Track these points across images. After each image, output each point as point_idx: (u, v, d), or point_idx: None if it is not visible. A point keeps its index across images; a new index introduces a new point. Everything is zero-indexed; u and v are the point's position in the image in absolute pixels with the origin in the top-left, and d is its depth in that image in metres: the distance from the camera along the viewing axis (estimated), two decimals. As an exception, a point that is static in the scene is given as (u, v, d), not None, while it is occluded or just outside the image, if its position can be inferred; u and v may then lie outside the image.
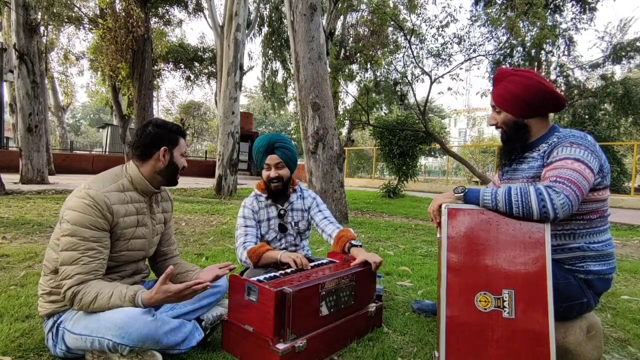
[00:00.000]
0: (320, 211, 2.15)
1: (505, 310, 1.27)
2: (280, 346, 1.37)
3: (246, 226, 2.02)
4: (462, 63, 9.86)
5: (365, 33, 13.71)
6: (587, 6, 10.37)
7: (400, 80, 13.03)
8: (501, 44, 9.83)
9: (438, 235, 1.42)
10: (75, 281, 1.33)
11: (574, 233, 1.46)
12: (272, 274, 1.66)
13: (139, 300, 1.35)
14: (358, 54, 14.89)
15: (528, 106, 1.52)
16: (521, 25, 9.21)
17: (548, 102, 1.51)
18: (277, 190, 2.04)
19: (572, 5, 10.55)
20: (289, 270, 1.72)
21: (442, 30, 10.17)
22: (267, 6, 16.59)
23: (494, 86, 1.61)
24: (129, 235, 1.50)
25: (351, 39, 15.80)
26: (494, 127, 1.65)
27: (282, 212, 2.10)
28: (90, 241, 1.36)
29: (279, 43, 17.12)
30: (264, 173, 2.03)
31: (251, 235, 1.99)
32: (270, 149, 2.00)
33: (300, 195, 2.17)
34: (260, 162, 2.03)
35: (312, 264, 1.90)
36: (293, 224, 2.13)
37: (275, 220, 2.10)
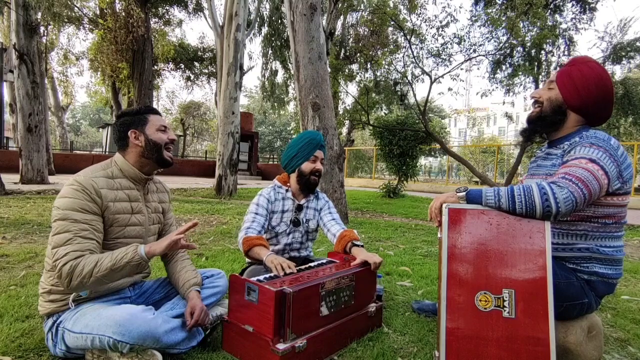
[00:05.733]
0: (330, 213, 2.20)
1: (505, 310, 1.27)
2: (280, 346, 1.37)
3: (256, 213, 2.04)
4: (462, 63, 9.85)
5: (365, 33, 13.71)
6: (587, 6, 10.35)
7: (400, 80, 13.03)
8: (501, 44, 9.81)
9: (439, 235, 1.42)
10: (71, 257, 1.32)
11: (586, 234, 1.44)
12: (272, 274, 1.66)
13: (142, 248, 1.40)
14: (358, 54, 14.89)
15: (586, 97, 1.46)
16: (521, 25, 9.19)
17: (601, 105, 1.47)
18: (314, 184, 2.09)
19: (572, 5, 10.54)
20: (288, 271, 1.72)
21: (442, 30, 10.16)
22: (267, 6, 16.59)
23: (567, 65, 1.55)
24: (124, 222, 1.51)
25: (351, 39, 15.81)
26: (533, 100, 1.60)
27: (299, 207, 2.13)
28: (82, 223, 1.37)
29: (279, 43, 17.12)
30: (308, 165, 2.05)
31: (257, 223, 2.01)
32: (320, 144, 2.07)
33: (315, 195, 2.21)
34: (307, 154, 2.04)
35: (313, 264, 1.90)
36: (305, 220, 2.15)
37: (289, 214, 2.11)
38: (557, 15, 10.52)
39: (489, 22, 9.65)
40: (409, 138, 9.20)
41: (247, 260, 2.16)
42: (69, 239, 1.34)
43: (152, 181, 1.69)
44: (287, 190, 2.12)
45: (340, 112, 15.14)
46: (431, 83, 9.33)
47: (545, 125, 1.55)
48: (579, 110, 1.50)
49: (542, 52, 9.71)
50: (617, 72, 13.18)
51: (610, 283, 1.48)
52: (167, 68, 19.02)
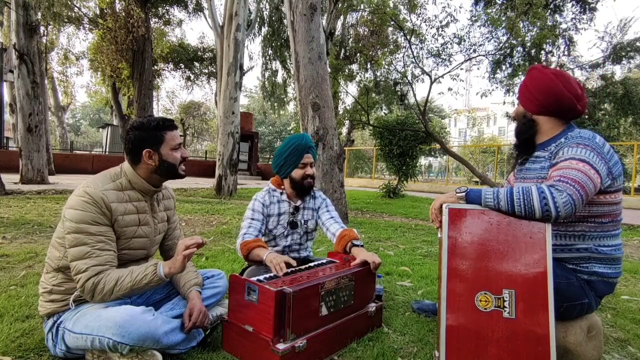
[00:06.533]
0: (328, 211, 2.18)
1: (505, 310, 1.27)
2: (280, 346, 1.37)
3: (252, 219, 2.03)
4: (462, 63, 9.85)
5: (365, 33, 13.71)
6: (587, 6, 10.36)
7: (400, 80, 13.02)
8: (501, 44, 9.82)
9: (439, 235, 1.42)
10: (92, 272, 1.34)
11: (584, 235, 1.44)
12: (272, 274, 1.66)
13: (161, 269, 1.39)
14: (358, 54, 14.89)
15: (536, 101, 1.53)
16: (521, 25, 9.21)
17: (557, 103, 1.49)
18: (309, 187, 2.07)
19: (572, 5, 10.55)
20: (289, 270, 1.72)
21: (442, 30, 10.17)
22: (267, 6, 16.58)
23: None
24: (130, 234, 1.50)
25: (351, 39, 15.80)
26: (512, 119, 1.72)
27: (295, 208, 2.11)
28: (97, 235, 1.37)
29: (279, 43, 17.10)
30: (298, 172, 2.03)
31: (254, 228, 2.00)
32: (306, 148, 2.03)
33: (312, 195, 2.20)
34: (295, 161, 2.02)
35: (313, 264, 1.90)
36: (303, 221, 2.14)
37: (286, 216, 2.10)
38: (557, 15, 10.53)
39: (489, 22, 9.66)
40: (409, 138, 9.20)
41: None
42: (87, 252, 1.35)
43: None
44: (281, 193, 2.11)
45: (340, 112, 15.15)
46: (431, 83, 9.33)
47: (522, 134, 1.61)
48: (540, 112, 1.55)
49: (542, 52, 9.72)
50: (617, 72, 13.19)
51: (610, 282, 1.48)
52: (167, 68, 19.00)
